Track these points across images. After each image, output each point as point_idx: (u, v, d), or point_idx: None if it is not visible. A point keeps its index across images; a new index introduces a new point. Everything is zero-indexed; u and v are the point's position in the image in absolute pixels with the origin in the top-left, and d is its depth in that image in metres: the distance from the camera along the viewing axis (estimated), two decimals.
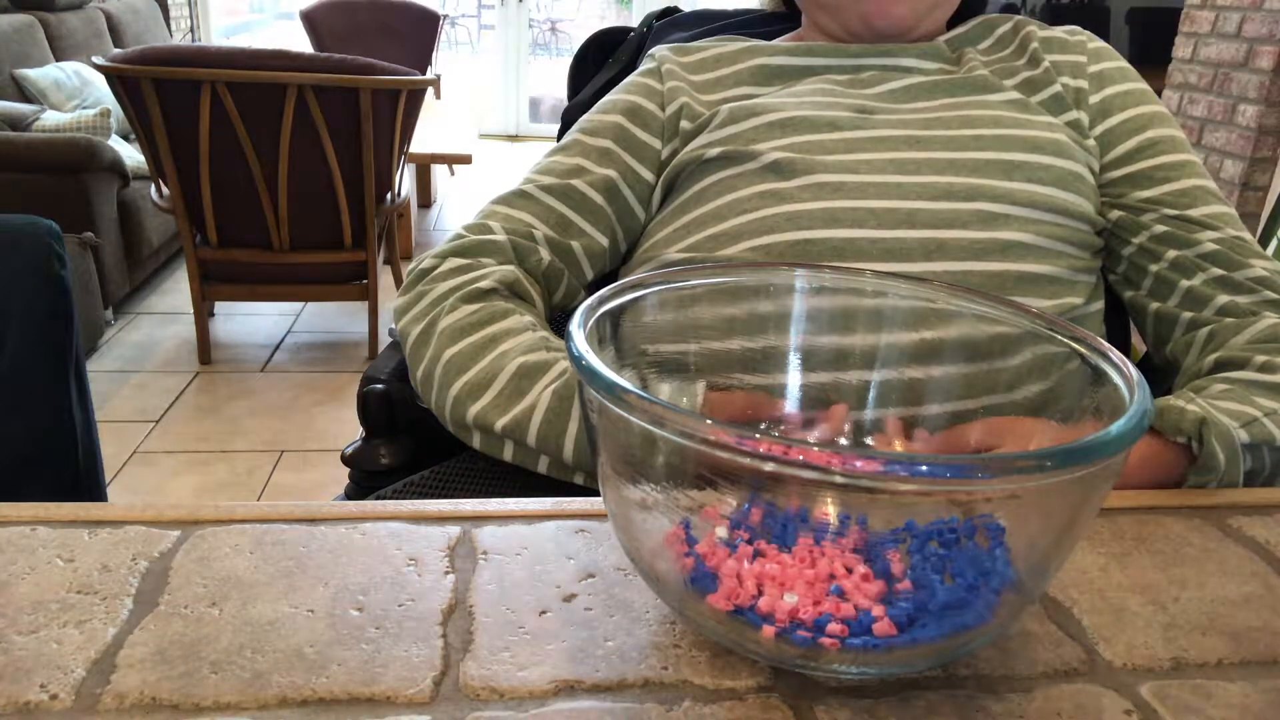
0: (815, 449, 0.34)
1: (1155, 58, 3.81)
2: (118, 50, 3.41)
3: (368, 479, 0.84)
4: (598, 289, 0.49)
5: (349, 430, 2.49)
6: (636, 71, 0.89)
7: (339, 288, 2.84)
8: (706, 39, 0.91)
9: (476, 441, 0.70)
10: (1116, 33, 5.53)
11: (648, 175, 0.83)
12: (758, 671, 0.42)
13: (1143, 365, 0.82)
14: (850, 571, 0.40)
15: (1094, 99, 0.80)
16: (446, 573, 0.47)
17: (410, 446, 0.85)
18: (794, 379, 0.57)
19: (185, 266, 2.75)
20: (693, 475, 0.39)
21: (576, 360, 0.40)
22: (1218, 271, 0.75)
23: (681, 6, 1.10)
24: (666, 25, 1.04)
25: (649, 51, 0.91)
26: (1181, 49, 3.45)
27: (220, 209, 2.59)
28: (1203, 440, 0.60)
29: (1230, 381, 0.68)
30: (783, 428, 0.56)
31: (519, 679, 0.40)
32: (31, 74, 3.52)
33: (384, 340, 2.97)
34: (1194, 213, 0.76)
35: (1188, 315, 0.76)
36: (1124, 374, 0.43)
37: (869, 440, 0.56)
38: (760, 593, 0.39)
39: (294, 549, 0.49)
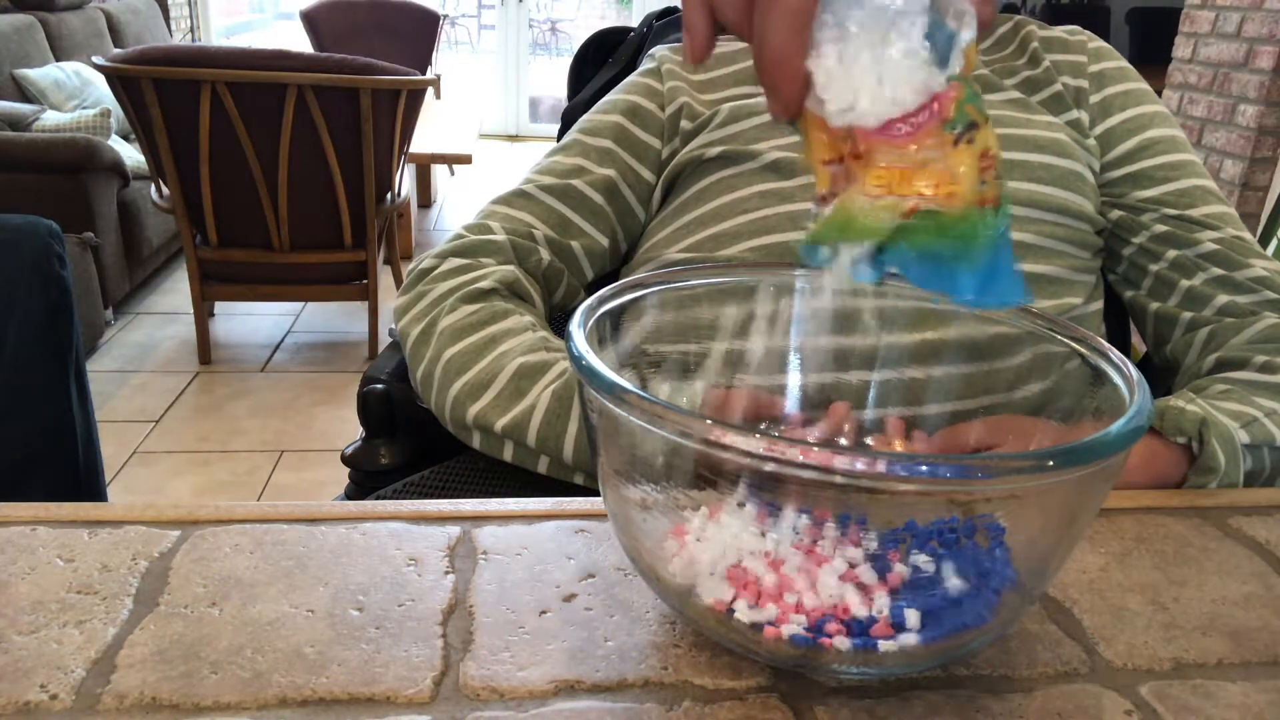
0: (815, 449, 0.34)
1: (1155, 58, 3.81)
2: (118, 50, 3.40)
3: (368, 479, 0.84)
4: (598, 289, 0.49)
5: (349, 430, 2.49)
6: (636, 71, 0.89)
7: (339, 288, 2.84)
8: None
9: (476, 442, 0.70)
10: (1116, 33, 5.54)
11: (648, 175, 0.83)
12: (758, 671, 0.42)
13: (1143, 365, 0.82)
14: (851, 569, 0.40)
15: (1094, 98, 0.80)
16: (446, 573, 0.47)
17: (410, 446, 0.85)
18: (794, 379, 0.57)
19: (185, 266, 2.75)
20: (693, 475, 0.39)
21: (576, 360, 0.40)
22: (1218, 271, 0.75)
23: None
24: (666, 25, 1.04)
25: (649, 51, 0.91)
26: (1181, 49, 3.45)
27: (220, 209, 2.59)
28: (1203, 441, 0.60)
29: (1230, 382, 0.68)
30: (783, 428, 0.56)
31: (519, 679, 0.40)
32: (31, 74, 3.51)
33: (384, 340, 2.97)
34: (1194, 212, 0.76)
35: (1188, 315, 0.76)
36: (1124, 374, 0.43)
37: (869, 440, 0.56)
38: (760, 593, 0.39)
39: (294, 549, 0.49)
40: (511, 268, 0.77)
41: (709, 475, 0.38)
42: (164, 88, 2.38)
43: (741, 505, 0.41)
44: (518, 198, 0.82)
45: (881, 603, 0.39)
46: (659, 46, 0.91)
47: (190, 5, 5.47)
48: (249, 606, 0.44)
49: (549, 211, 0.81)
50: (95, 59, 2.45)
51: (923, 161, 0.36)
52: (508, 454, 0.68)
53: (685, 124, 0.82)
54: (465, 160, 3.29)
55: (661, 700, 0.40)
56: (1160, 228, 0.77)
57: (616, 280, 0.52)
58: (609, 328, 0.49)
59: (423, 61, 4.81)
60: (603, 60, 1.08)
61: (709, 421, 0.35)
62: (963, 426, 0.55)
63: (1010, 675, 0.42)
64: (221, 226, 2.63)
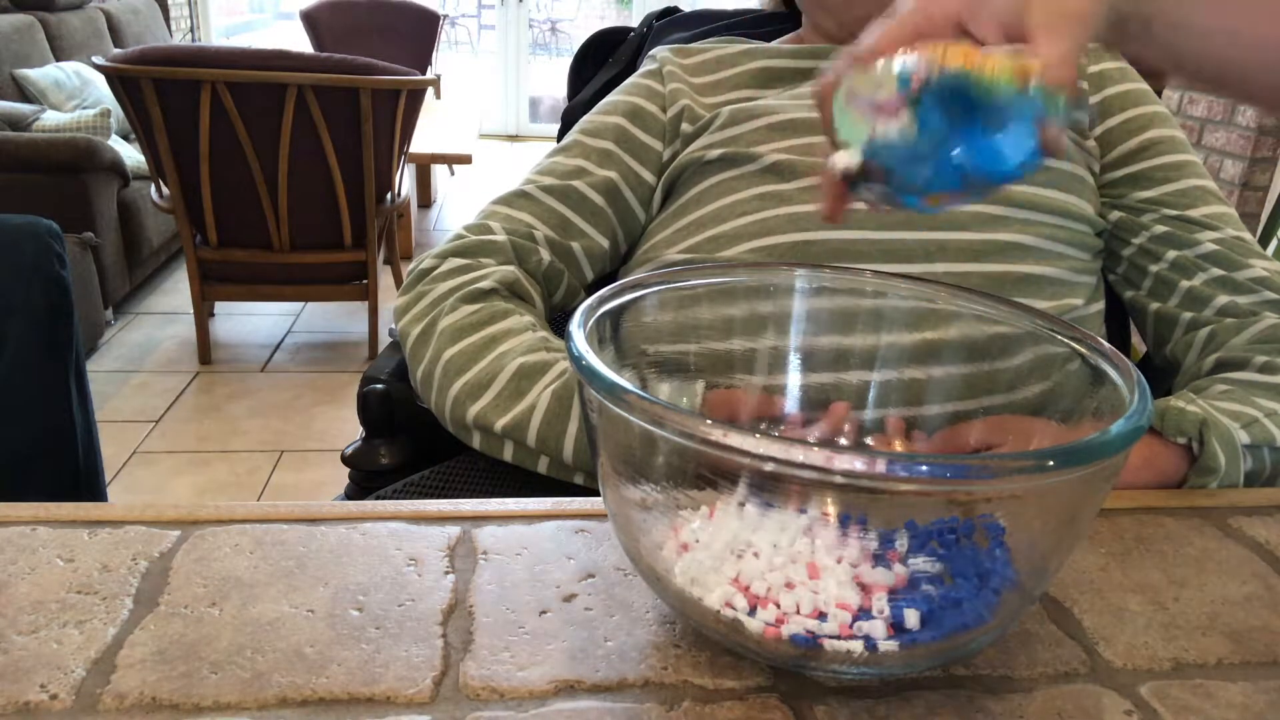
0: (815, 449, 0.34)
1: None
2: (118, 50, 3.40)
3: (368, 479, 0.84)
4: (598, 289, 0.49)
5: (349, 430, 2.49)
6: (638, 73, 0.89)
7: (339, 288, 2.84)
8: (708, 40, 0.91)
9: (476, 442, 0.70)
10: None
11: (648, 177, 0.83)
12: (758, 671, 0.42)
13: (1143, 365, 0.82)
14: (851, 569, 0.40)
15: (1094, 100, 0.80)
16: (446, 573, 0.47)
17: (410, 446, 0.85)
18: (794, 379, 0.57)
19: (185, 266, 2.75)
20: (693, 475, 0.39)
21: (576, 360, 0.40)
22: (1218, 272, 0.75)
23: (681, 6, 1.10)
24: (666, 25, 1.04)
25: (650, 52, 0.91)
26: None
27: (220, 209, 2.59)
28: (1203, 441, 0.60)
29: (1231, 382, 0.68)
30: (783, 427, 0.56)
31: (519, 679, 0.40)
32: (31, 74, 3.51)
33: (384, 340, 2.97)
34: (1194, 213, 0.76)
35: (1188, 315, 0.76)
36: (1124, 374, 0.43)
37: (869, 440, 0.56)
38: (761, 593, 0.39)
39: (294, 549, 0.49)
40: (512, 268, 0.77)
41: (709, 475, 0.38)
42: (164, 88, 2.38)
43: (741, 505, 0.41)
44: (518, 198, 0.82)
45: (881, 603, 0.39)
46: (659, 47, 0.91)
47: (190, 5, 5.47)
48: (249, 606, 0.44)
49: (549, 212, 0.81)
50: (95, 59, 2.45)
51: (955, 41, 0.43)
52: (508, 454, 0.68)
53: (686, 126, 0.82)
54: (465, 160, 3.29)
55: (661, 700, 0.40)
56: (1160, 228, 0.77)
57: (616, 280, 0.52)
58: (609, 328, 0.49)
59: (423, 61, 4.81)
60: (603, 60, 1.08)
61: (709, 422, 0.35)
62: (963, 427, 0.55)
63: (1010, 675, 0.42)
64: (221, 226, 2.63)
